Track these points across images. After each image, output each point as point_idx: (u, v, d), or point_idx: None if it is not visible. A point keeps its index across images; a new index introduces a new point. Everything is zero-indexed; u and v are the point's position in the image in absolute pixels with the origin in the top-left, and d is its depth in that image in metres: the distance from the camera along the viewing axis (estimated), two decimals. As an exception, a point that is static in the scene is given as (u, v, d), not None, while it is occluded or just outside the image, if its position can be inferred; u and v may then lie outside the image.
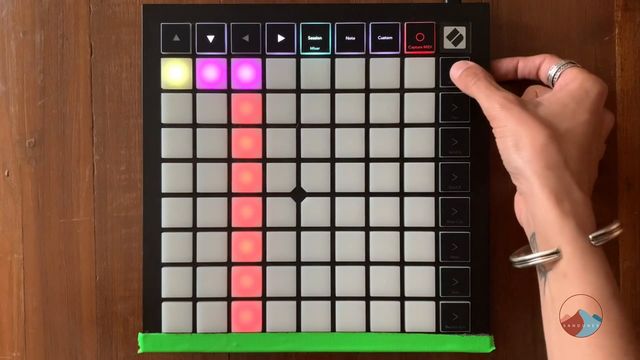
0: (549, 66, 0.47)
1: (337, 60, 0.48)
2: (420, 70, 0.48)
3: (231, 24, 0.48)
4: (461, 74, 0.46)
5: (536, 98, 0.46)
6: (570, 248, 0.40)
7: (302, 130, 0.48)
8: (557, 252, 0.41)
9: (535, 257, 0.42)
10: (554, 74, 0.46)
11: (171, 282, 0.48)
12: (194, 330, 0.48)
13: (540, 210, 0.41)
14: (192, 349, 0.48)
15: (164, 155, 0.48)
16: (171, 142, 0.48)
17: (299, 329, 0.48)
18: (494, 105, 0.43)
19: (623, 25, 0.51)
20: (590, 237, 0.41)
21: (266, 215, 0.48)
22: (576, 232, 0.40)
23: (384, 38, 0.48)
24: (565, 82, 0.45)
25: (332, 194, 0.48)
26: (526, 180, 0.42)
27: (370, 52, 0.48)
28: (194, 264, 0.48)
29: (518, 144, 0.42)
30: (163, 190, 0.48)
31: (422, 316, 0.48)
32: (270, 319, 0.48)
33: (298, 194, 0.48)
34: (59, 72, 0.51)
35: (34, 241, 0.51)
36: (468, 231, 0.48)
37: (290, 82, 0.48)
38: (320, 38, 0.48)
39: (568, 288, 0.40)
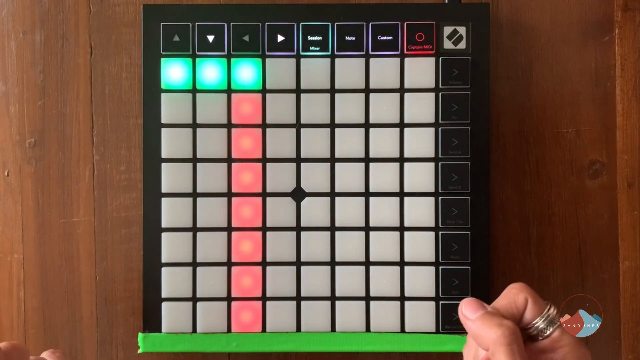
0: (533, 315, 0.38)
1: (337, 60, 0.48)
2: (420, 70, 0.48)
3: (231, 24, 0.48)
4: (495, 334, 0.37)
5: None
6: None
7: (302, 130, 0.48)
8: None
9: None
10: (545, 331, 0.38)
11: (171, 282, 0.48)
12: (194, 330, 0.48)
13: None
14: (192, 349, 0.48)
15: (164, 155, 0.48)
16: (171, 142, 0.48)
17: (299, 329, 0.48)
18: None
19: (623, 25, 0.51)
20: None
21: (266, 215, 0.48)
22: None
23: (384, 38, 0.48)
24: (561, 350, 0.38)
25: (332, 194, 0.48)
26: None
27: (370, 52, 0.48)
28: (194, 264, 0.48)
29: None
30: (163, 190, 0.48)
31: (422, 316, 0.48)
32: (270, 319, 0.48)
33: (298, 194, 0.48)
34: (59, 72, 0.51)
35: (34, 241, 0.51)
36: (468, 231, 0.48)
37: (290, 82, 0.48)
38: (320, 38, 0.48)
39: None
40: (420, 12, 0.48)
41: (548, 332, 0.38)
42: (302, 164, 0.48)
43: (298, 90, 0.48)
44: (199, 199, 0.48)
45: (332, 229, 0.48)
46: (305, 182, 0.48)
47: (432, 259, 0.48)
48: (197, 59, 0.48)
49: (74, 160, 0.51)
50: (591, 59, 0.51)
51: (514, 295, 0.38)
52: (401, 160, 0.48)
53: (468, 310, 0.38)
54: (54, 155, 0.51)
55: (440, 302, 0.48)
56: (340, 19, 0.48)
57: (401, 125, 0.48)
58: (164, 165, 0.48)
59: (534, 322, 0.38)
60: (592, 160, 0.51)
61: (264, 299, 0.48)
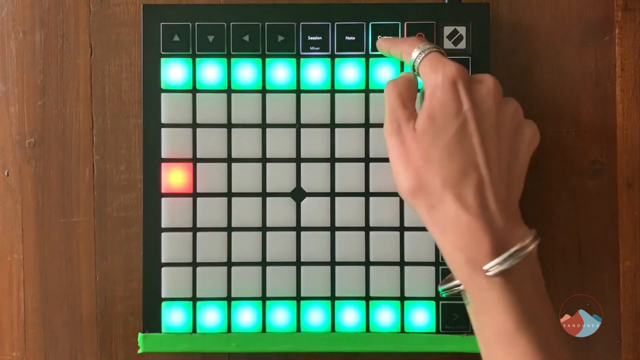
0: (408, 55, 0.43)
1: (337, 60, 0.48)
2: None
3: (231, 24, 0.48)
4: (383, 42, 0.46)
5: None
6: (466, 286, 0.39)
7: (302, 130, 0.48)
8: (459, 285, 0.39)
9: (446, 288, 0.41)
10: (414, 65, 0.42)
11: (171, 282, 0.48)
12: (194, 330, 0.48)
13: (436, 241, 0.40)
14: (192, 349, 0.48)
15: (164, 155, 0.48)
16: (171, 142, 0.48)
17: (299, 329, 0.48)
18: (386, 125, 0.42)
19: (623, 25, 0.51)
20: (485, 268, 0.37)
21: (266, 215, 0.48)
22: (466, 267, 0.38)
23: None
24: (424, 85, 0.41)
25: (332, 194, 0.48)
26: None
27: (370, 52, 0.48)
28: (194, 264, 0.48)
29: (395, 182, 0.41)
30: (163, 191, 0.48)
31: (422, 316, 0.48)
32: (270, 319, 0.48)
33: (298, 194, 0.48)
34: (59, 72, 0.51)
35: (34, 241, 0.51)
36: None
37: (290, 82, 0.48)
38: (320, 38, 0.48)
39: (476, 325, 0.39)
40: (420, 12, 0.48)
41: (417, 65, 0.42)
42: (302, 164, 0.48)
43: (298, 90, 0.48)
44: (198, 199, 0.48)
45: (332, 229, 0.48)
46: (305, 182, 0.48)
47: (432, 259, 0.48)
48: (197, 59, 0.48)
49: (74, 160, 0.51)
50: (591, 59, 0.51)
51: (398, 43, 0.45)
52: (401, 160, 0.48)
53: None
54: (54, 155, 0.51)
55: (440, 302, 0.48)
56: (340, 19, 0.48)
57: (401, 125, 0.48)
58: (163, 165, 0.48)
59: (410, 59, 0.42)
60: (592, 160, 0.51)
61: (264, 299, 0.48)
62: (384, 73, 0.48)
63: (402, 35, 0.48)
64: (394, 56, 0.46)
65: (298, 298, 0.48)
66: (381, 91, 0.48)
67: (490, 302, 0.37)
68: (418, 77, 0.43)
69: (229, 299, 0.48)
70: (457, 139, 0.39)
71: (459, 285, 0.40)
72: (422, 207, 0.39)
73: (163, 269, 0.48)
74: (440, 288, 0.42)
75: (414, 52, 0.42)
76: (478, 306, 0.38)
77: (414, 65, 0.42)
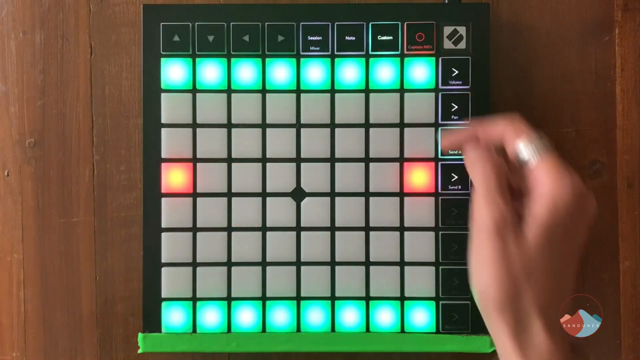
0: (513, 142, 0.39)
1: (337, 60, 0.48)
2: (420, 70, 0.48)
3: (231, 24, 0.48)
4: (470, 155, 0.40)
5: (522, 217, 0.38)
6: None
7: (302, 130, 0.48)
8: None
9: None
10: (526, 158, 0.39)
11: (171, 282, 0.48)
12: (194, 330, 0.48)
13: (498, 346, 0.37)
14: (192, 349, 0.48)
15: (164, 155, 0.48)
16: (171, 142, 0.48)
17: (299, 329, 0.48)
18: (484, 218, 0.37)
19: (623, 25, 0.51)
20: None
21: (266, 215, 0.48)
22: None
23: (384, 38, 0.48)
24: (536, 190, 0.38)
25: (332, 194, 0.48)
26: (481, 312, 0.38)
27: (370, 52, 0.48)
28: (194, 264, 0.48)
29: (474, 283, 0.38)
30: (163, 191, 0.48)
31: (422, 316, 0.48)
32: (270, 319, 0.48)
33: (298, 194, 0.48)
34: (59, 72, 0.51)
35: (34, 241, 0.51)
36: (468, 231, 0.48)
37: (290, 82, 0.48)
38: (320, 38, 0.48)
39: None
40: (420, 12, 0.48)
41: (525, 158, 0.38)
42: (302, 164, 0.48)
43: (298, 90, 0.48)
44: (198, 199, 0.48)
45: (332, 229, 0.48)
46: (305, 182, 0.48)
47: (432, 259, 0.48)
48: (197, 59, 0.48)
49: (74, 160, 0.51)
50: (591, 59, 0.51)
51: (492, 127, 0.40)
52: (401, 160, 0.48)
53: (466, 149, 0.41)
54: (54, 155, 0.51)
55: (440, 302, 0.48)
56: (340, 19, 0.48)
57: (401, 125, 0.48)
58: (163, 165, 0.48)
59: (516, 150, 0.39)
60: (592, 160, 0.51)
61: (264, 299, 0.48)
62: (383, 73, 0.48)
63: (402, 35, 0.48)
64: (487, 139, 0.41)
65: (298, 298, 0.48)
66: (381, 91, 0.48)
67: None
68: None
69: (229, 299, 0.48)
70: (568, 261, 0.37)
71: None
72: (504, 322, 0.36)
73: (163, 269, 0.48)
74: None
75: (523, 143, 0.38)
76: None
77: (523, 158, 0.39)
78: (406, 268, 0.48)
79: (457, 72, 0.48)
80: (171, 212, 0.48)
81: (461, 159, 0.48)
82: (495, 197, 0.37)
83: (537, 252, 0.36)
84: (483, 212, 0.37)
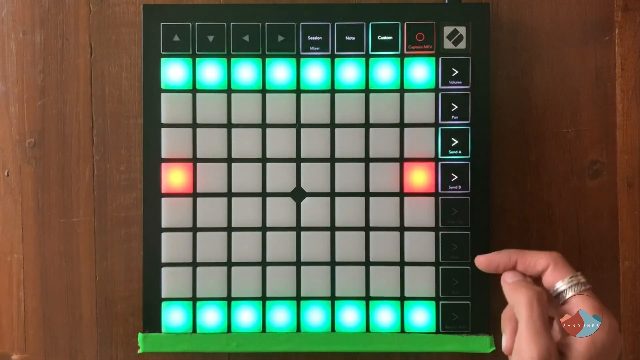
0: (554, 279, 0.42)
1: (337, 60, 0.48)
2: (420, 70, 0.48)
3: (231, 24, 0.48)
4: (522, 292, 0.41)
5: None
6: None
7: (302, 130, 0.48)
8: None
9: None
10: (564, 295, 0.42)
11: (171, 282, 0.48)
12: (194, 330, 0.48)
13: None
14: (192, 349, 0.48)
15: (164, 155, 0.48)
16: (171, 142, 0.48)
17: (299, 329, 0.48)
18: (521, 355, 0.39)
19: (623, 25, 0.51)
20: None
21: (266, 215, 0.48)
22: None
23: (384, 38, 0.48)
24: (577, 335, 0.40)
25: (332, 194, 0.48)
26: None
27: (370, 52, 0.48)
28: (194, 264, 0.48)
29: None
30: (163, 191, 0.48)
31: (422, 316, 0.48)
32: (270, 319, 0.48)
33: (298, 194, 0.48)
34: (59, 72, 0.51)
35: (34, 241, 0.51)
36: (468, 231, 0.48)
37: (291, 82, 0.48)
38: (320, 38, 0.48)
39: None
40: (420, 12, 0.48)
41: (566, 296, 0.41)
42: (302, 164, 0.48)
43: (298, 90, 0.48)
44: (198, 199, 0.48)
45: (332, 229, 0.48)
46: (305, 182, 0.48)
47: (432, 259, 0.48)
48: (197, 59, 0.48)
49: (74, 160, 0.51)
50: (591, 59, 0.51)
51: (535, 258, 0.43)
52: (401, 160, 0.48)
53: (507, 275, 0.43)
54: (54, 155, 0.51)
55: (440, 302, 0.48)
56: (340, 19, 0.48)
57: (401, 125, 0.48)
58: (163, 165, 0.48)
59: (555, 286, 0.42)
60: (592, 160, 0.51)
61: (264, 299, 0.48)
62: (383, 73, 0.48)
63: (402, 35, 0.48)
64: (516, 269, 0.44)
65: (298, 298, 0.48)
66: (381, 91, 0.48)
67: None
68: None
69: (229, 299, 0.48)
70: None
71: None
72: None
73: (163, 269, 0.48)
74: None
75: (564, 282, 0.41)
76: None
77: (562, 294, 0.41)
78: (406, 268, 0.48)
79: (457, 72, 0.48)
80: (171, 212, 0.48)
81: (462, 159, 0.48)
82: (540, 331, 0.39)
83: None
84: (531, 345, 0.38)
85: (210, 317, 0.48)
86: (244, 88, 0.48)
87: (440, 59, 0.48)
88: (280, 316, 0.48)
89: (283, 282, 0.48)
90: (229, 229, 0.48)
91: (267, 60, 0.48)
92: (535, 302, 0.39)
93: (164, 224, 0.48)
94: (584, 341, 0.39)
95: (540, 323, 0.39)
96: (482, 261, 0.45)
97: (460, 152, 0.48)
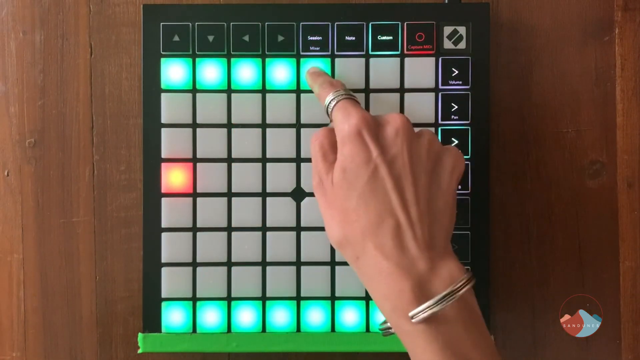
0: (322, 101, 0.43)
1: (337, 60, 0.48)
2: (420, 70, 0.48)
3: (231, 24, 0.48)
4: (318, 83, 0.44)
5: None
6: (395, 332, 0.39)
7: (302, 130, 0.48)
8: (390, 328, 0.40)
9: (382, 328, 0.41)
10: (327, 112, 0.42)
11: (171, 282, 0.48)
12: (194, 330, 0.48)
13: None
14: (192, 349, 0.48)
15: (164, 155, 0.48)
16: (171, 142, 0.48)
17: (299, 329, 0.48)
18: (312, 178, 0.42)
19: (623, 25, 0.51)
20: (410, 315, 0.36)
21: (266, 215, 0.48)
22: (393, 315, 0.37)
23: (384, 38, 0.48)
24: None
25: (332, 194, 0.48)
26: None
27: (370, 52, 0.48)
28: (194, 264, 0.48)
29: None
30: (163, 191, 0.48)
31: (422, 316, 0.48)
32: (270, 319, 0.48)
33: (298, 194, 0.48)
34: (59, 72, 0.51)
35: (34, 241, 0.51)
36: (468, 231, 0.48)
37: (291, 82, 0.48)
38: (320, 38, 0.48)
39: None
40: (420, 12, 0.48)
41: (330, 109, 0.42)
42: (302, 164, 0.48)
43: (298, 90, 0.48)
44: (198, 199, 0.48)
45: (332, 229, 0.48)
46: (305, 182, 0.48)
47: (432, 259, 0.48)
48: (197, 59, 0.48)
49: (74, 160, 0.51)
50: (591, 59, 0.51)
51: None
52: (401, 160, 0.48)
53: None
54: (54, 155, 0.51)
55: (440, 302, 0.48)
56: (340, 19, 0.48)
57: (401, 125, 0.48)
58: (163, 165, 0.48)
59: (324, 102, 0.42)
60: (592, 160, 0.51)
61: (264, 299, 0.48)
62: (384, 73, 0.48)
63: (402, 35, 0.48)
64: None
65: (298, 298, 0.48)
66: (381, 91, 0.48)
67: (417, 348, 0.37)
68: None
69: (229, 299, 0.48)
70: (370, 187, 0.38)
71: (390, 328, 0.40)
72: (349, 257, 0.39)
73: (163, 269, 0.48)
74: (378, 327, 0.42)
75: (327, 98, 0.42)
76: (408, 351, 0.38)
77: (327, 112, 0.42)
78: (406, 268, 0.48)
79: (457, 72, 0.48)
80: (171, 212, 0.48)
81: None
82: (314, 155, 0.41)
83: (341, 190, 0.39)
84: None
85: (210, 317, 0.48)
86: (244, 88, 0.48)
87: (440, 59, 0.48)
88: (280, 316, 0.48)
89: (283, 282, 0.48)
90: (229, 229, 0.48)
91: (267, 60, 0.48)
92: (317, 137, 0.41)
93: (164, 224, 0.48)
94: (338, 142, 0.40)
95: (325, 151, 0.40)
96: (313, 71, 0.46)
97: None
